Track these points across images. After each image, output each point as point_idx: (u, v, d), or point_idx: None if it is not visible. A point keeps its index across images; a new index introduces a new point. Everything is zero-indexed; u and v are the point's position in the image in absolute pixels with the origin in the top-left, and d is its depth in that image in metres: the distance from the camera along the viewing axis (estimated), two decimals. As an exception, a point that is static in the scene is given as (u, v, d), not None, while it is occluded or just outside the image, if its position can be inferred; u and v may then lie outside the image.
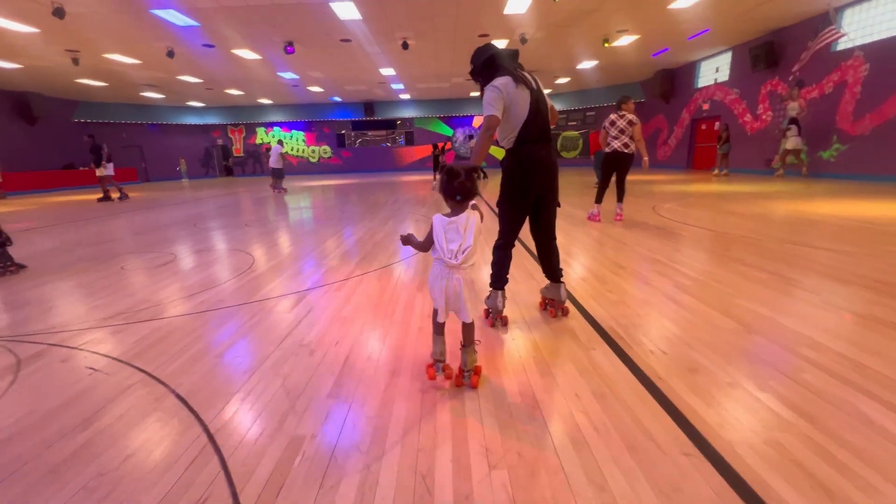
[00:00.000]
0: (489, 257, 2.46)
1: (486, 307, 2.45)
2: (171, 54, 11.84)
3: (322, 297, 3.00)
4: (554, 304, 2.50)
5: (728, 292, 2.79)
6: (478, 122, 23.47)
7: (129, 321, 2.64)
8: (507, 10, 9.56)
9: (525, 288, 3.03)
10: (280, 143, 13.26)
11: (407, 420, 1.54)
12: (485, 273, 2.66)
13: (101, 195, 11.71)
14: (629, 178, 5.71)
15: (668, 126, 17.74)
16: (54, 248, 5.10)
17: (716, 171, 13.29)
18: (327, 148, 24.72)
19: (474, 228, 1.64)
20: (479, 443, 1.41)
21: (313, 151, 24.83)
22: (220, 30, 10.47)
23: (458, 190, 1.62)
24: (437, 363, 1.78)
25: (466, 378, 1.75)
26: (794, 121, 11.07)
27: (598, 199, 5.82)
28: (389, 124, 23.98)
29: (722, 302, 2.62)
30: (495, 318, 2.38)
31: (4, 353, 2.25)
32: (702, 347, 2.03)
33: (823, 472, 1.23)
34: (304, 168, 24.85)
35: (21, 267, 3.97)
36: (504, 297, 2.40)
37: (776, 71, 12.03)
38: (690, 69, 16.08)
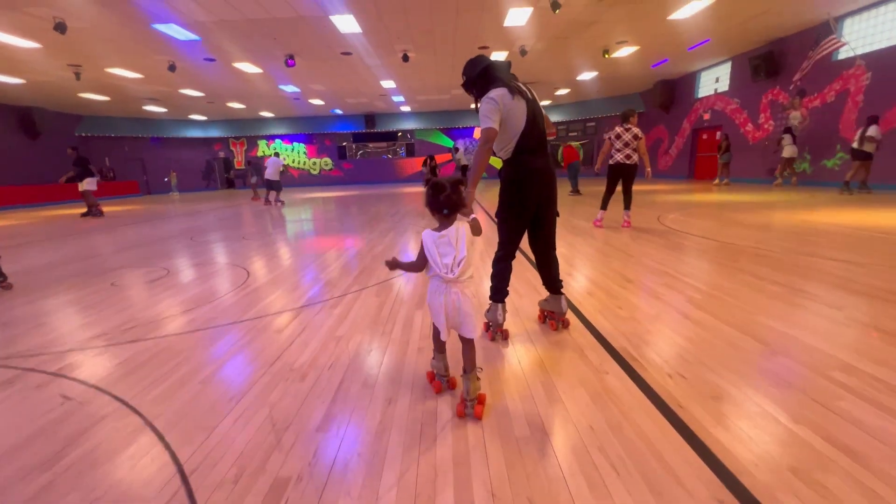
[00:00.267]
0: (489, 270, 2.39)
1: (486, 320, 2.40)
2: (172, 68, 11.90)
3: (317, 314, 2.86)
4: (554, 317, 2.44)
5: (743, 307, 2.65)
6: (478, 133, 23.51)
7: (112, 342, 2.50)
8: (507, 23, 9.58)
9: (528, 302, 2.89)
10: (277, 154, 13.10)
11: (404, 458, 1.39)
12: (485, 286, 2.53)
13: (84, 210, 10.91)
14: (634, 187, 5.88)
15: (669, 136, 17.72)
16: (46, 263, 4.99)
17: (717, 181, 13.22)
18: (328, 160, 24.77)
19: (466, 239, 1.60)
20: (485, 486, 1.25)
21: (314, 163, 24.89)
22: (221, 43, 10.51)
23: (444, 204, 1.60)
24: (441, 377, 1.78)
25: (469, 408, 1.62)
26: (787, 130, 11.22)
27: (604, 206, 6.00)
28: (390, 136, 24.06)
29: (738, 318, 2.47)
30: (496, 331, 2.33)
31: (-24, 378, 2.11)
32: (723, 370, 1.88)
33: (878, 522, 1.08)
34: (305, 180, 24.88)
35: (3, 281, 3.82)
36: (504, 310, 2.34)
37: (777, 80, 12.01)
38: (690, 79, 16.12)
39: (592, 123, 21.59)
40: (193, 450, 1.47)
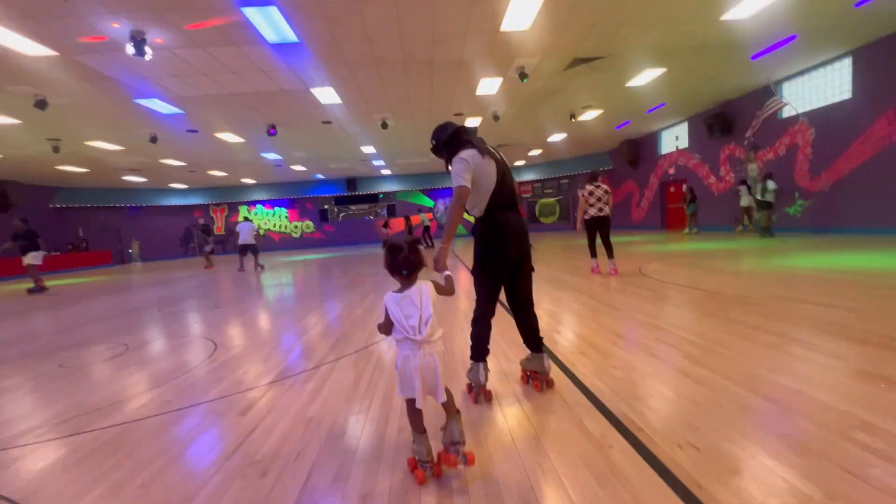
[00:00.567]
0: (468, 328, 2.34)
1: (468, 381, 2.32)
2: (154, 140, 12.04)
3: (286, 391, 2.59)
4: (538, 377, 2.36)
5: (743, 361, 2.51)
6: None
7: (43, 438, 2.16)
8: (479, 91, 10.20)
9: (517, 367, 2.69)
10: (247, 219, 12.71)
11: (380, 579, 1.13)
12: (463, 346, 2.39)
13: (31, 285, 9.79)
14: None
15: (639, 190, 18.55)
16: (-9, 344, 4.55)
17: (686, 231, 13.71)
18: (310, 223, 24.87)
19: (430, 297, 1.59)
20: None
21: (296, 227, 24.91)
22: (204, 116, 10.78)
23: (402, 265, 1.59)
24: (424, 464, 1.59)
25: (462, 459, 1.58)
26: (742, 181, 12.14)
27: (593, 254, 6.58)
28: (372, 198, 24.52)
29: (740, 373, 2.33)
30: (478, 392, 2.27)
31: None
32: (736, 437, 1.70)
33: None
34: (287, 244, 24.73)
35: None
36: (487, 370, 2.29)
37: (732, 137, 12.92)
38: (653, 138, 17.24)
39: (566, 181, 22.61)
40: (114, 587, 1.17)
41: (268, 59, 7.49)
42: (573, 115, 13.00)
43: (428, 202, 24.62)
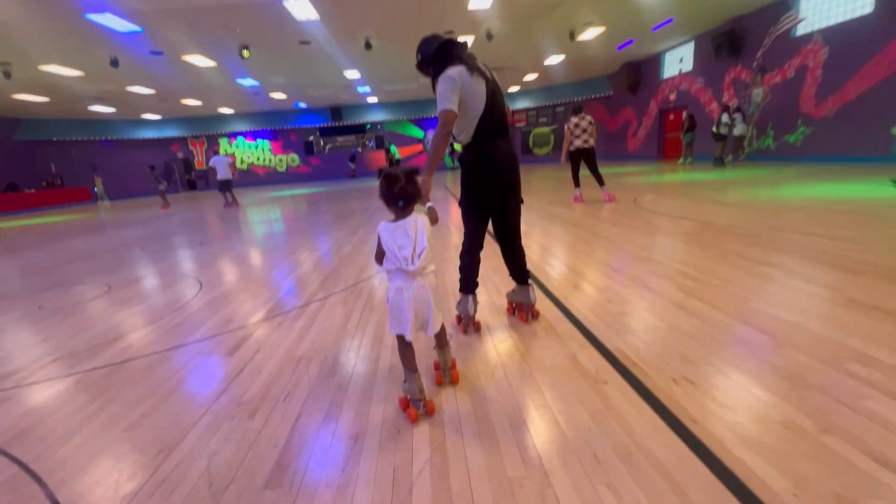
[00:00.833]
0: (457, 262, 2.30)
1: (457, 313, 2.34)
2: (115, 63, 10.99)
3: (275, 330, 2.53)
4: (524, 308, 2.37)
5: (738, 293, 2.48)
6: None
7: (23, 383, 2.11)
8: (472, 6, 9.24)
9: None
10: (216, 152, 12.22)
11: (372, 520, 1.12)
12: (453, 279, 2.37)
13: None
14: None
15: (637, 118, 17.84)
16: (-31, 285, 4.41)
17: (681, 161, 13.40)
18: (295, 156, 23.91)
19: (425, 231, 1.54)
20: (474, 557, 0.99)
21: (280, 160, 23.97)
22: (167, 35, 9.75)
23: (399, 196, 1.52)
24: (416, 402, 1.58)
25: (447, 376, 1.76)
26: (738, 109, 11.70)
27: (577, 184, 6.81)
28: (359, 129, 23.38)
29: (736, 307, 2.30)
30: (468, 323, 2.29)
31: None
32: (731, 371, 1.69)
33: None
34: (272, 178, 23.95)
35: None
36: (476, 301, 2.31)
37: (739, 58, 12.15)
38: (655, 61, 16.20)
39: (561, 108, 21.53)
40: (100, 532, 1.15)
41: (230, -37, 6.57)
42: (573, 34, 12.02)
43: (418, 132, 23.58)
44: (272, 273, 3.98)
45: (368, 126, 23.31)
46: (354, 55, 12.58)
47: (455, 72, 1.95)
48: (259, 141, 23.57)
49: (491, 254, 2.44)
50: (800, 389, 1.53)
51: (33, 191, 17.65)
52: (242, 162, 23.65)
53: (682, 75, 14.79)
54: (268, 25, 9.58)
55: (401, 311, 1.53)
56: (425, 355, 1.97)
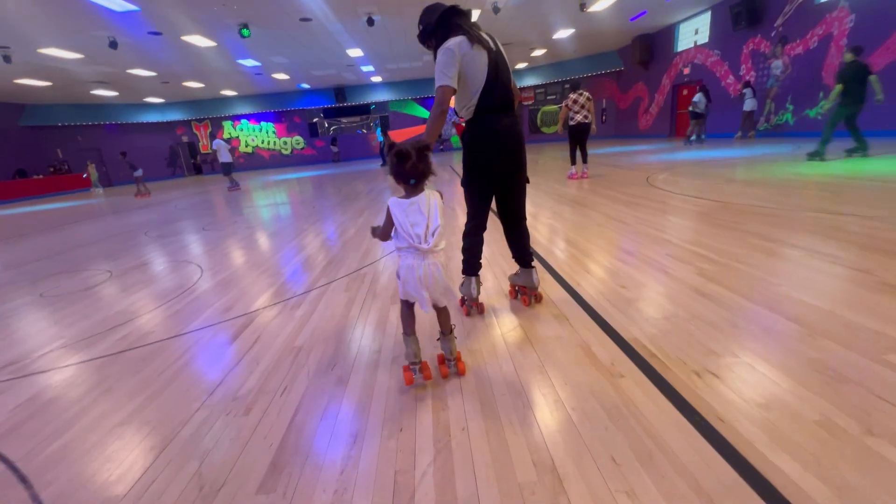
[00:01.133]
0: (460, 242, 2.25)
1: (460, 295, 2.30)
2: (113, 45, 10.79)
3: (274, 318, 2.45)
4: (526, 291, 2.29)
5: (762, 277, 2.33)
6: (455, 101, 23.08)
7: (18, 374, 2.05)
8: (477, -25, 8.84)
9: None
10: (214, 138, 12.18)
11: (371, 530, 1.03)
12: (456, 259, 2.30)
13: None
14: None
15: (649, 94, 17.26)
16: (-27, 273, 4.40)
17: (694, 138, 12.94)
18: (299, 138, 23.65)
19: (438, 209, 1.52)
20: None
21: (285, 143, 23.74)
22: (165, 14, 9.50)
23: (410, 173, 1.47)
24: (413, 365, 1.64)
25: (452, 367, 1.67)
26: (747, 84, 11.47)
27: (573, 161, 7.20)
28: (363, 109, 22.98)
29: (760, 291, 2.15)
30: (471, 305, 2.24)
31: None
32: (760, 363, 1.56)
33: None
34: (277, 161, 23.78)
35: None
36: (479, 283, 2.24)
37: (758, 28, 11.57)
38: (669, 33, 15.54)
39: (569, 85, 20.87)
40: (82, 541, 1.08)
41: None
42: (583, 5, 11.50)
43: (423, 112, 23.11)
44: (273, 259, 3.89)
45: (373, 107, 22.89)
46: (357, 32, 12.22)
47: (454, 43, 1.84)
48: (263, 124, 23.32)
49: (499, 236, 2.32)
50: (836, 384, 1.40)
51: (41, 176, 17.70)
52: (247, 145, 23.48)
53: (696, 48, 14.18)
54: (267, 1, 9.28)
55: (413, 289, 1.53)
56: (429, 346, 1.88)
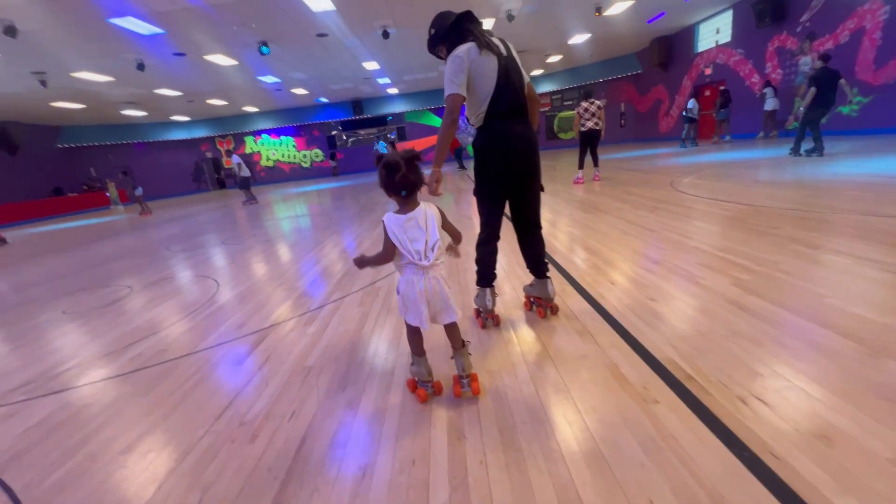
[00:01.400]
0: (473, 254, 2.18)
1: (475, 307, 2.23)
2: (141, 67, 11.23)
3: (285, 336, 2.38)
4: (542, 303, 2.21)
5: (807, 288, 2.14)
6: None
7: (31, 395, 2.04)
8: (491, -16, 8.83)
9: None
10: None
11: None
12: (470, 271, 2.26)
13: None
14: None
15: (669, 96, 16.86)
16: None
17: (715, 139, 12.66)
18: (318, 151, 24.06)
19: (435, 223, 1.48)
20: None
21: (305, 156, 24.19)
22: (188, 35, 9.83)
23: (401, 185, 1.42)
24: (425, 384, 1.60)
25: (466, 386, 1.57)
26: (767, 83, 11.22)
27: (580, 166, 7.43)
28: (380, 121, 23.25)
29: (807, 304, 1.97)
30: (486, 317, 2.18)
31: None
32: (815, 388, 1.39)
33: None
34: (297, 174, 24.22)
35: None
36: (494, 295, 2.17)
37: (783, 25, 11.17)
38: (688, 33, 15.19)
39: (582, 93, 20.62)
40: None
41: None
42: (599, 9, 11.36)
43: (439, 122, 23.20)
44: (289, 272, 3.86)
45: (390, 118, 23.13)
46: (372, 45, 12.38)
47: (462, 50, 1.82)
48: (283, 138, 23.84)
49: (517, 246, 2.21)
50: (908, 413, 1.23)
51: (75, 195, 18.49)
52: (268, 159, 24.03)
53: (718, 48, 13.80)
54: (284, 19, 9.49)
55: (414, 304, 1.49)
56: (444, 366, 1.77)
